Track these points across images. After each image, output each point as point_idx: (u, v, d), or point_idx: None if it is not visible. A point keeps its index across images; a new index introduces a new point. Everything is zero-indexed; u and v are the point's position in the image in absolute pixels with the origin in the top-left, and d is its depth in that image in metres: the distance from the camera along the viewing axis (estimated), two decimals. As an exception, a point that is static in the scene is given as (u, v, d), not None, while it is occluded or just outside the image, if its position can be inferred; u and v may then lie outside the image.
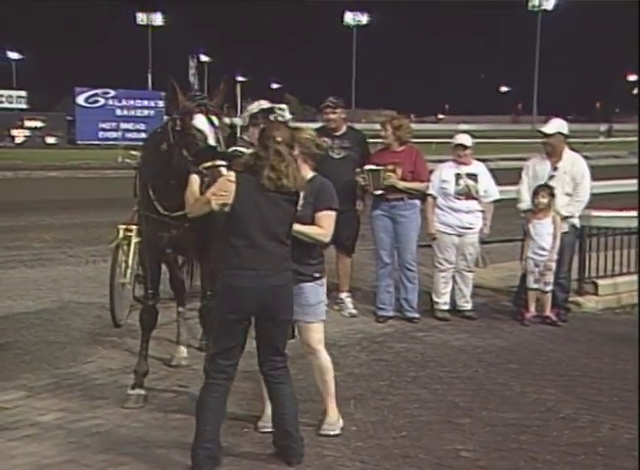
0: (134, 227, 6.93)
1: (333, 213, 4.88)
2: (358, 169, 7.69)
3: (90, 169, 29.53)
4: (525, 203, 7.97)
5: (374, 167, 7.63)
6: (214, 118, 5.02)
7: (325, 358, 5.02)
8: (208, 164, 4.74)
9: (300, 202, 4.69)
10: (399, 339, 7.20)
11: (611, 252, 8.62)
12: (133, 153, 6.35)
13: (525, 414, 5.38)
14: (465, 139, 7.97)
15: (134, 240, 7.05)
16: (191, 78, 6.51)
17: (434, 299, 8.07)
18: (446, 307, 8.05)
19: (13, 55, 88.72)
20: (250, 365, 5.02)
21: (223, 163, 4.77)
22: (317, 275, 4.89)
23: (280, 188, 4.43)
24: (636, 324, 7.83)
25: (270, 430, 4.79)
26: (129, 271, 7.24)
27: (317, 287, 4.90)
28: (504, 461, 4.66)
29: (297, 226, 4.66)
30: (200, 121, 4.95)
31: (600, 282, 8.41)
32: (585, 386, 5.99)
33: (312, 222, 4.80)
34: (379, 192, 7.66)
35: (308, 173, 4.88)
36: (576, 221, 7.94)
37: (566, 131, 7.93)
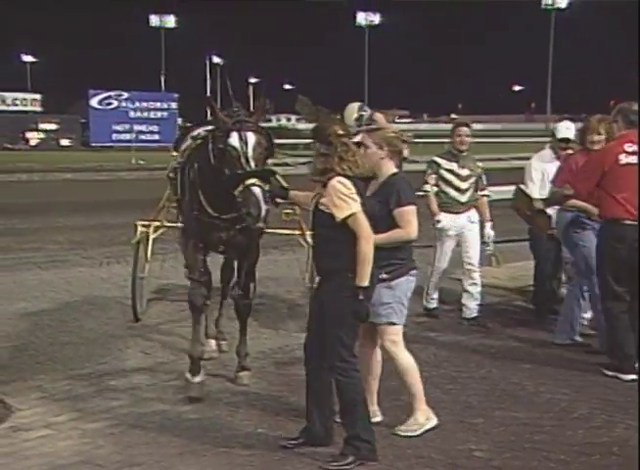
0: (153, 224, 7.57)
1: (413, 208, 4.91)
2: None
3: (104, 171, 29.62)
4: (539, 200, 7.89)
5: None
6: (250, 134, 5.11)
7: (401, 360, 5.01)
8: (240, 187, 4.92)
9: (378, 198, 4.85)
10: (413, 339, 7.10)
11: None
12: (174, 154, 6.50)
13: (539, 414, 5.37)
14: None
15: (152, 236, 7.62)
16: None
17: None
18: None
19: (27, 58, 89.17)
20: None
21: (253, 180, 4.90)
22: (382, 277, 4.84)
23: (352, 178, 4.57)
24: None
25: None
26: (147, 266, 7.76)
27: (380, 288, 4.84)
28: (518, 461, 4.66)
29: (379, 237, 4.70)
30: (234, 139, 5.10)
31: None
32: (599, 385, 5.96)
33: (392, 219, 4.85)
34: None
35: (392, 169, 4.97)
36: None
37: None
